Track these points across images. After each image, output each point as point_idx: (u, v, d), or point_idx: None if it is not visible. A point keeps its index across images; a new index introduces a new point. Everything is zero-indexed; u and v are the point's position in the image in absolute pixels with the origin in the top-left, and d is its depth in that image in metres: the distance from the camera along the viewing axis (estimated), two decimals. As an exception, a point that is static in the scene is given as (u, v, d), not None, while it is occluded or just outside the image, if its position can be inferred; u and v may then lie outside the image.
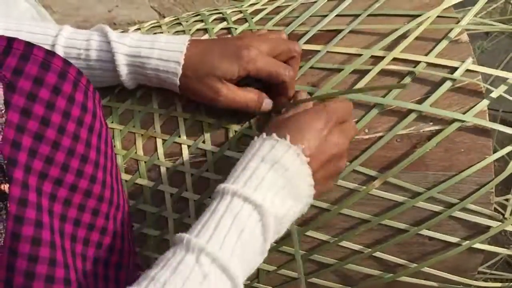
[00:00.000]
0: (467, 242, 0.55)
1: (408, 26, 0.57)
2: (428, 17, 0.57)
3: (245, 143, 0.55)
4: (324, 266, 0.57)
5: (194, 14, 0.68)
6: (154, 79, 0.53)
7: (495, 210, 0.56)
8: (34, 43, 0.42)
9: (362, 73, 0.56)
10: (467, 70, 0.55)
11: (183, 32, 0.62)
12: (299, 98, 0.53)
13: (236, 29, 0.61)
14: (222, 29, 0.62)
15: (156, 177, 0.55)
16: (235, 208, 0.40)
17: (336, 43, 0.58)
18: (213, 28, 0.62)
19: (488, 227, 0.55)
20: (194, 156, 0.55)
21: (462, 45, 0.56)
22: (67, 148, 0.42)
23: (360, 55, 0.56)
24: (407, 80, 0.55)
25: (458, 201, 0.54)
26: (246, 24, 0.62)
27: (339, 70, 0.56)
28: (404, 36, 0.57)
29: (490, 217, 0.54)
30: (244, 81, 0.52)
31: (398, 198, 0.54)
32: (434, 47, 0.56)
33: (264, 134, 0.45)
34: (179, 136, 0.55)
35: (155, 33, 0.63)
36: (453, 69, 0.55)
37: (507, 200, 0.78)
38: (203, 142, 0.55)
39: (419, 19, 0.58)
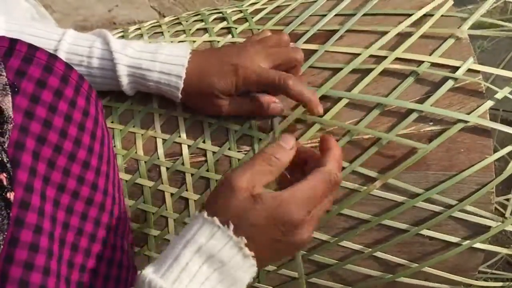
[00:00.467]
0: (468, 242, 0.55)
1: (409, 26, 0.57)
2: (429, 16, 0.57)
3: (245, 143, 0.55)
4: (324, 266, 0.57)
5: (194, 14, 0.68)
6: (155, 90, 0.53)
7: (496, 209, 0.56)
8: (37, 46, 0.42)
9: (363, 72, 0.56)
10: (468, 70, 0.54)
11: (183, 32, 0.62)
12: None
13: (236, 28, 0.61)
14: (222, 28, 0.62)
15: (156, 177, 0.55)
16: None
17: (336, 43, 0.58)
18: (213, 28, 0.62)
19: (488, 227, 0.54)
20: (194, 156, 0.55)
21: (462, 45, 0.56)
22: (69, 152, 0.41)
23: (361, 54, 0.56)
24: (410, 80, 0.54)
25: (457, 202, 0.54)
26: (247, 24, 0.62)
27: (339, 70, 0.56)
28: (404, 35, 0.57)
29: (490, 217, 0.54)
30: None
31: (398, 198, 0.54)
32: (434, 47, 0.56)
33: (205, 213, 0.38)
34: (179, 136, 0.55)
35: (155, 33, 0.63)
36: (454, 69, 0.55)
37: (507, 200, 0.78)
38: (203, 142, 0.55)
39: (417, 18, 0.57)
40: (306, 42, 0.59)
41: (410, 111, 0.54)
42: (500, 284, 0.63)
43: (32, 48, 0.41)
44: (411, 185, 0.54)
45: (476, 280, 0.59)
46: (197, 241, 0.38)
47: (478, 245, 0.55)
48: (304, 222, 0.40)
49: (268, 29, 0.59)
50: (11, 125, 0.38)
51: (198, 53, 0.53)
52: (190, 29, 0.62)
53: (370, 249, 0.56)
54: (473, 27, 0.58)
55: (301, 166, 0.45)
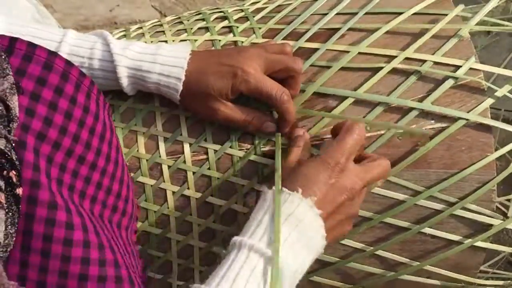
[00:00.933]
0: (469, 240, 0.55)
1: (409, 26, 0.57)
2: (430, 16, 0.57)
3: (246, 141, 0.55)
4: (326, 265, 0.57)
5: (196, 13, 0.68)
6: (156, 91, 0.53)
7: (498, 208, 0.56)
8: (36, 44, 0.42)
9: (365, 70, 0.56)
10: (469, 69, 0.54)
11: (185, 31, 0.62)
12: (297, 136, 0.52)
13: (237, 27, 0.61)
14: (223, 27, 0.62)
15: (157, 175, 0.55)
16: (252, 263, 0.40)
17: (337, 41, 0.58)
18: (214, 27, 0.62)
19: (490, 225, 0.54)
20: (196, 154, 0.55)
21: (464, 44, 0.56)
22: (67, 148, 0.42)
23: (361, 53, 0.56)
24: (412, 78, 0.55)
25: (459, 200, 0.54)
26: (248, 23, 0.62)
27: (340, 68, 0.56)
28: (404, 35, 0.57)
29: (492, 215, 0.54)
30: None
31: (400, 196, 0.54)
32: (436, 46, 0.56)
33: (274, 188, 0.45)
34: (181, 134, 0.55)
35: (157, 32, 0.63)
36: (456, 67, 0.55)
37: (508, 200, 0.78)
38: (205, 140, 0.55)
39: (420, 18, 0.58)
40: (307, 40, 0.59)
41: (412, 109, 0.54)
42: (501, 282, 0.63)
43: (32, 46, 0.41)
44: (412, 183, 0.54)
45: (478, 279, 0.59)
46: (273, 207, 0.43)
47: (479, 243, 0.55)
48: (347, 167, 0.47)
49: (273, 40, 0.58)
50: (16, 124, 0.38)
51: (197, 54, 0.53)
52: (191, 28, 0.62)
53: (372, 248, 0.56)
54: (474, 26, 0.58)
55: None
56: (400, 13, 0.58)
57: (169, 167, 0.55)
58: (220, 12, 0.65)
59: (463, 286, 0.59)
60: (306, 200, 0.43)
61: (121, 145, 0.55)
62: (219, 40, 0.60)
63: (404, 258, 0.56)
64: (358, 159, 0.49)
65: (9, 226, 0.36)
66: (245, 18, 0.63)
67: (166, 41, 0.61)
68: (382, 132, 0.54)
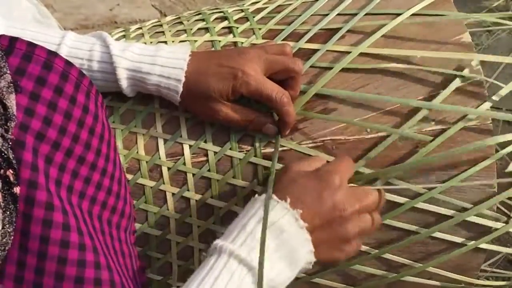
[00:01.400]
0: (472, 242, 0.54)
1: (410, 26, 0.57)
2: (431, 16, 0.57)
3: (246, 143, 0.55)
4: (327, 266, 0.57)
5: (196, 13, 0.68)
6: (156, 92, 0.53)
7: (499, 209, 0.56)
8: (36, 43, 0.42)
9: (365, 72, 0.56)
10: (470, 70, 0.54)
11: (184, 31, 0.62)
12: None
13: (237, 28, 0.61)
14: (223, 28, 0.62)
15: (157, 177, 0.55)
16: (231, 269, 0.40)
17: (337, 42, 0.58)
18: (214, 27, 0.62)
19: (490, 227, 0.54)
20: (196, 156, 0.55)
21: (465, 45, 0.56)
22: (66, 148, 0.42)
23: (361, 53, 0.56)
24: (413, 80, 0.54)
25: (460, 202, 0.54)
26: (248, 23, 0.62)
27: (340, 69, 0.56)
28: (404, 36, 0.57)
29: (493, 217, 0.54)
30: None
31: (400, 199, 0.54)
32: (437, 47, 0.56)
33: (263, 196, 0.45)
34: (181, 136, 0.55)
35: (156, 32, 0.63)
36: (457, 68, 0.55)
37: (510, 199, 0.78)
38: (205, 142, 0.55)
39: (420, 19, 0.57)
40: (307, 41, 0.58)
41: (412, 111, 0.53)
42: (503, 283, 0.63)
43: (32, 46, 0.41)
44: (412, 185, 0.53)
45: (478, 278, 0.59)
46: (258, 214, 0.43)
47: (481, 245, 0.55)
48: (352, 215, 0.46)
49: (272, 41, 0.58)
50: (14, 122, 0.38)
51: (197, 55, 0.53)
52: (191, 29, 0.62)
53: (375, 251, 0.56)
54: (474, 25, 0.57)
55: None
56: (400, 14, 0.58)
57: (169, 168, 0.55)
58: (220, 12, 0.65)
59: (463, 287, 0.59)
60: (292, 212, 0.43)
61: (121, 146, 0.55)
62: (219, 41, 0.60)
63: (405, 260, 0.56)
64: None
65: (7, 225, 0.36)
66: (245, 19, 0.63)
67: (165, 42, 0.61)
68: (382, 134, 0.54)
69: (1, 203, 0.35)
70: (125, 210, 0.50)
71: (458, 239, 0.55)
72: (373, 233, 0.52)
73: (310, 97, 0.55)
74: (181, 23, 0.65)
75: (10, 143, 0.37)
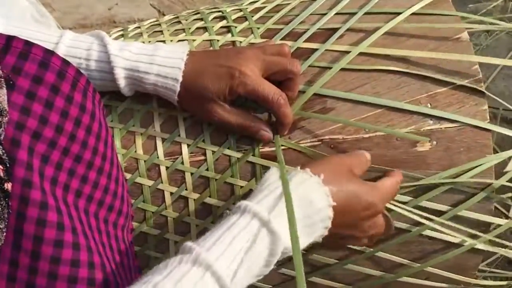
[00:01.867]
0: (470, 242, 0.55)
1: (408, 26, 0.57)
2: (429, 16, 0.57)
3: (244, 142, 0.55)
4: (324, 266, 0.57)
5: (194, 13, 0.68)
6: (153, 92, 0.53)
7: (497, 209, 0.56)
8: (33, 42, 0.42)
9: (364, 71, 0.56)
10: (469, 69, 0.54)
11: (183, 30, 0.62)
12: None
13: (236, 27, 0.61)
14: (222, 27, 0.62)
15: (155, 176, 0.55)
16: (252, 231, 0.40)
17: (336, 41, 0.58)
18: (212, 27, 0.62)
19: (488, 227, 0.54)
20: (194, 155, 0.55)
21: (463, 44, 0.56)
22: (63, 147, 0.42)
23: (360, 53, 0.56)
24: (412, 79, 0.54)
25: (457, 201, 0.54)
26: (246, 23, 0.62)
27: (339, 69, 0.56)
28: (404, 35, 0.57)
29: (490, 216, 0.54)
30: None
31: (398, 197, 0.54)
32: (435, 46, 0.56)
33: (298, 167, 0.45)
34: (179, 135, 0.55)
35: (155, 32, 0.63)
36: (455, 68, 0.55)
37: (509, 198, 0.78)
38: (203, 141, 0.55)
39: (419, 18, 0.57)
40: (306, 41, 0.58)
41: (410, 110, 0.54)
42: (504, 282, 0.63)
43: (28, 44, 0.41)
44: (411, 184, 0.53)
45: (476, 278, 0.59)
46: (291, 181, 0.43)
47: (478, 245, 0.55)
48: (379, 214, 0.49)
49: (271, 40, 0.58)
50: (6, 118, 0.38)
51: (195, 55, 0.53)
52: (189, 28, 0.62)
53: (370, 249, 0.56)
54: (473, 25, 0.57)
55: None
56: (399, 13, 0.58)
57: (167, 168, 0.55)
58: (219, 11, 0.65)
59: (462, 287, 0.59)
60: (324, 189, 0.44)
61: (119, 146, 0.55)
62: (217, 40, 0.60)
63: (402, 259, 0.56)
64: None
65: None
66: (244, 18, 0.63)
67: (164, 41, 0.61)
68: (380, 133, 0.54)
69: None
70: (122, 209, 0.50)
71: (455, 239, 0.55)
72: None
73: (309, 98, 0.55)
74: (179, 22, 0.65)
75: (1, 138, 0.37)
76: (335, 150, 0.54)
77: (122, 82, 0.52)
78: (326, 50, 0.57)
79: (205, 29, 0.62)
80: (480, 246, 0.55)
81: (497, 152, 0.53)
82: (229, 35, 0.61)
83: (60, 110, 0.41)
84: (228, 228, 0.40)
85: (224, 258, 0.38)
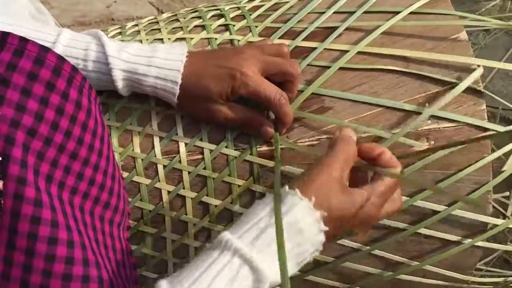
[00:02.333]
0: (468, 241, 0.55)
1: (407, 25, 0.57)
2: (428, 15, 0.57)
3: (242, 141, 0.54)
4: (322, 264, 0.57)
5: (192, 11, 0.68)
6: (152, 94, 0.53)
7: (495, 208, 0.56)
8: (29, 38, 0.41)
9: (362, 70, 0.56)
10: (467, 69, 0.54)
11: (181, 28, 0.62)
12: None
13: (234, 25, 0.61)
14: (220, 25, 0.62)
15: (153, 174, 0.55)
16: (233, 269, 0.38)
17: (334, 40, 0.58)
18: (211, 25, 0.62)
19: (485, 226, 0.54)
20: (191, 154, 0.55)
21: (461, 44, 0.56)
22: (59, 144, 0.42)
23: (358, 52, 0.56)
24: (410, 79, 0.54)
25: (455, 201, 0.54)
26: (244, 21, 0.62)
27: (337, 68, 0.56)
28: (401, 35, 0.57)
29: (488, 216, 0.54)
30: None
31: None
32: (434, 45, 0.56)
33: (286, 187, 0.42)
34: (176, 134, 0.55)
35: (153, 30, 0.63)
36: (453, 67, 0.55)
37: (505, 197, 0.78)
38: (200, 139, 0.55)
39: (417, 17, 0.57)
40: (304, 39, 0.58)
41: (408, 110, 0.53)
42: (499, 279, 0.63)
43: (23, 41, 0.41)
44: (408, 184, 0.54)
45: (473, 277, 0.59)
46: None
47: (476, 244, 0.55)
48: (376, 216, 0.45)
49: (269, 39, 0.58)
50: None
51: (194, 57, 0.52)
52: (187, 26, 0.62)
53: (368, 247, 0.56)
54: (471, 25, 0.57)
55: None
56: (398, 12, 0.58)
57: (164, 166, 0.55)
58: (217, 9, 0.65)
59: (459, 285, 0.59)
60: (316, 214, 0.40)
61: (116, 144, 0.55)
62: (215, 39, 0.60)
63: (399, 258, 0.56)
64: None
65: None
66: (242, 16, 0.63)
67: (162, 39, 0.61)
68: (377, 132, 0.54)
69: None
70: (119, 206, 0.50)
71: (452, 238, 0.55)
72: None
73: (306, 97, 0.55)
74: (177, 20, 0.65)
75: None
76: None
77: (120, 84, 0.52)
78: (324, 49, 0.57)
79: (203, 27, 0.62)
80: (480, 244, 0.55)
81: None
82: (227, 33, 0.61)
83: (55, 107, 0.41)
84: (208, 267, 0.38)
85: None
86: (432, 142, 0.53)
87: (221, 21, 0.62)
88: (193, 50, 0.57)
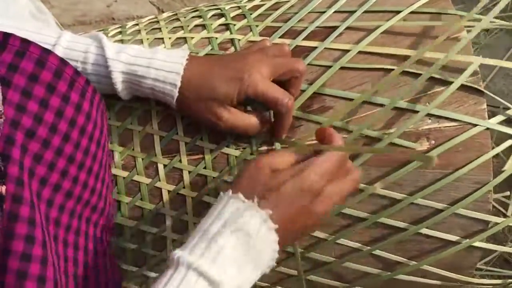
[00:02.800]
0: (467, 240, 0.55)
1: (408, 25, 0.57)
2: (428, 15, 0.57)
3: (242, 140, 0.54)
4: (322, 264, 0.57)
5: (193, 10, 0.68)
6: (151, 96, 0.52)
7: (495, 207, 0.56)
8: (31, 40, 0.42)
9: (362, 70, 0.56)
10: (467, 68, 0.54)
11: (181, 28, 0.62)
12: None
13: (234, 25, 0.61)
14: (220, 25, 0.62)
15: (153, 174, 0.55)
16: (190, 283, 0.37)
17: (335, 40, 0.58)
18: (211, 24, 0.61)
19: (486, 225, 0.54)
20: (192, 153, 0.55)
21: (462, 43, 0.56)
22: (56, 147, 0.42)
23: (359, 51, 0.56)
24: (407, 78, 0.54)
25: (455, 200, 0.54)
26: (245, 20, 0.62)
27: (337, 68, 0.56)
28: (401, 34, 0.57)
29: (488, 215, 0.54)
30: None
31: (396, 195, 0.54)
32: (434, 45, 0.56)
33: (230, 192, 0.41)
34: (177, 133, 0.55)
35: (153, 29, 0.63)
36: (454, 67, 0.55)
37: (506, 197, 0.78)
38: (201, 139, 0.55)
39: (418, 17, 0.57)
40: (305, 39, 0.58)
41: (409, 109, 0.53)
42: (499, 281, 0.63)
43: (25, 42, 0.41)
44: (408, 183, 0.53)
45: (473, 277, 0.59)
46: (223, 216, 0.40)
47: (476, 243, 0.55)
48: (323, 192, 0.42)
49: (267, 39, 0.58)
50: (2, 119, 0.38)
51: (197, 60, 0.52)
52: (188, 26, 0.62)
53: (368, 247, 0.56)
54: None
55: None
56: (398, 12, 0.58)
57: (164, 166, 0.55)
58: (217, 9, 0.65)
59: (459, 286, 0.59)
60: (261, 214, 0.40)
61: (117, 143, 0.55)
62: (216, 38, 0.60)
63: (399, 257, 0.56)
64: None
65: None
66: (242, 16, 0.63)
67: (162, 39, 0.61)
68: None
69: None
70: (105, 208, 0.51)
71: (452, 237, 0.55)
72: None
73: (308, 96, 0.55)
74: (178, 19, 0.65)
75: None
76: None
77: (119, 86, 0.51)
78: (325, 48, 0.57)
79: (203, 26, 0.62)
80: (477, 243, 0.55)
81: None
82: (228, 32, 0.61)
83: (55, 110, 0.41)
84: (165, 285, 0.37)
85: None
86: (433, 142, 0.53)
87: (222, 20, 0.62)
88: (196, 55, 0.56)
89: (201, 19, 0.63)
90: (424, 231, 0.55)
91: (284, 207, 0.41)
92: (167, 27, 0.62)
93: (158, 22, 0.65)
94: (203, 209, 0.55)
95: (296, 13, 0.61)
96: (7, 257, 0.37)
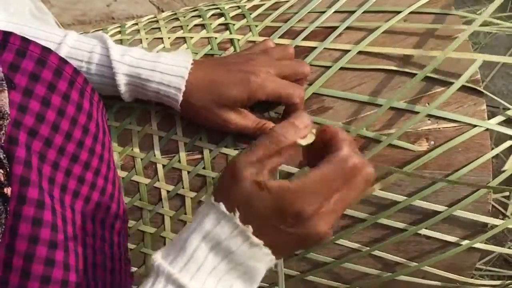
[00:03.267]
0: (467, 241, 0.54)
1: (408, 25, 0.57)
2: (428, 15, 0.57)
3: (242, 140, 0.54)
4: (321, 265, 0.57)
5: (192, 9, 0.67)
6: (156, 99, 0.52)
7: (495, 208, 0.56)
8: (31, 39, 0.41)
9: (362, 70, 0.55)
10: (466, 69, 0.54)
11: (181, 27, 0.62)
12: None
13: (234, 25, 0.61)
14: (220, 24, 0.62)
15: (152, 174, 0.55)
16: None
17: (335, 40, 0.57)
18: (210, 24, 0.61)
19: (485, 226, 0.54)
20: (191, 154, 0.55)
21: (462, 43, 0.56)
22: (59, 146, 0.41)
23: (359, 51, 0.56)
24: (407, 78, 0.54)
25: (454, 201, 0.53)
26: (244, 20, 0.61)
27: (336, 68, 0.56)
28: (401, 34, 0.57)
29: (487, 216, 0.54)
30: None
31: (395, 196, 0.54)
32: (434, 45, 0.56)
33: (212, 198, 0.37)
34: (176, 133, 0.55)
35: (152, 29, 0.63)
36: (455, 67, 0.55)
37: (505, 197, 0.78)
38: (200, 139, 0.55)
39: (418, 17, 0.57)
40: (304, 39, 0.58)
41: (408, 110, 0.53)
42: (498, 282, 0.63)
43: (26, 41, 0.41)
44: (408, 184, 0.53)
45: (472, 277, 0.59)
46: (203, 228, 0.36)
47: (476, 244, 0.55)
48: (317, 214, 0.35)
49: (270, 39, 0.57)
50: (7, 121, 0.38)
51: (202, 63, 0.51)
52: (187, 25, 0.62)
53: (367, 248, 0.56)
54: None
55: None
56: (398, 12, 0.58)
57: (163, 166, 0.55)
58: (217, 8, 0.65)
59: (458, 286, 0.59)
60: (242, 229, 0.35)
61: (116, 144, 0.55)
62: (215, 38, 0.60)
63: (399, 258, 0.56)
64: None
65: None
66: (242, 16, 0.63)
67: (161, 38, 0.61)
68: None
69: None
70: (119, 212, 0.50)
71: (452, 238, 0.55)
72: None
73: (308, 97, 0.55)
74: (177, 19, 0.64)
75: (2, 142, 0.37)
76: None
77: (123, 88, 0.51)
78: (324, 48, 0.57)
79: (203, 26, 0.62)
80: (477, 244, 0.55)
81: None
82: (227, 32, 0.60)
83: (56, 108, 0.41)
84: None
85: None
86: (432, 143, 0.53)
87: (221, 20, 0.62)
88: (196, 55, 0.56)
89: (201, 19, 0.63)
90: (424, 232, 0.54)
91: (268, 228, 0.36)
92: (166, 27, 0.62)
93: (157, 21, 0.65)
94: (202, 210, 0.55)
95: (296, 13, 0.61)
96: (11, 256, 0.37)
